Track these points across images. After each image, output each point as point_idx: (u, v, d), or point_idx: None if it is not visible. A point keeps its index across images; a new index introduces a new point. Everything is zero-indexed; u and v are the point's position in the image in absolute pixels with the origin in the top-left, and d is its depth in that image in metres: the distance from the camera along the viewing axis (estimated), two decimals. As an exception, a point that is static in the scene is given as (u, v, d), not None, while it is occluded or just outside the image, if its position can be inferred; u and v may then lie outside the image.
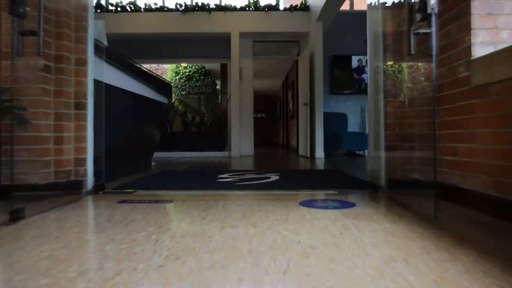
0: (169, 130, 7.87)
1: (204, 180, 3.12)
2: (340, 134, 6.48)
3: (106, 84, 2.69)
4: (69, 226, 1.56)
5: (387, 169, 2.45)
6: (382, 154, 2.49)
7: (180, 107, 11.07)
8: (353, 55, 7.39)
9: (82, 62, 2.41)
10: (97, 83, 2.53)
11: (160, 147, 7.29)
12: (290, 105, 10.56)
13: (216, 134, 7.50)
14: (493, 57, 1.65)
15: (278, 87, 15.43)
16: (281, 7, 7.32)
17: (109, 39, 7.10)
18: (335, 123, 7.03)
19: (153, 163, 4.89)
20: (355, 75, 7.38)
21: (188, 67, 11.03)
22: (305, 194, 2.39)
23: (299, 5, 7.19)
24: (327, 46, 6.83)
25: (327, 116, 6.71)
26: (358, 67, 7.38)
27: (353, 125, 7.47)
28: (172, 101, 11.61)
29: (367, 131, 7.35)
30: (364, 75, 7.38)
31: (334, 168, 4.33)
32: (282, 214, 1.74)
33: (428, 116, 2.11)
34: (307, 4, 7.16)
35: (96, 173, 2.53)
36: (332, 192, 2.45)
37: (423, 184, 2.14)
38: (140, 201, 2.12)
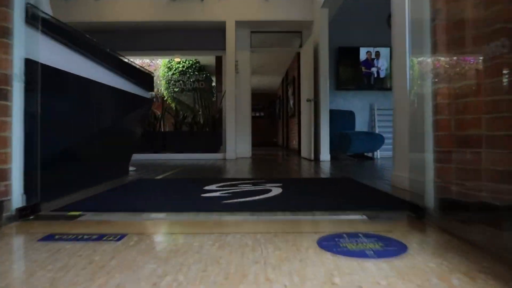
0: (159, 129, 7.13)
1: (184, 194, 2.40)
2: (349, 134, 5.77)
3: (47, 66, 1.97)
4: None
5: (437, 185, 1.74)
6: (429, 163, 1.77)
7: (173, 104, 10.36)
8: (361, 46, 6.67)
9: (3, 33, 1.69)
10: (30, 64, 1.81)
11: (149, 149, 6.57)
12: (291, 102, 9.86)
13: (210, 134, 6.78)
14: None
15: (277, 84, 14.73)
16: (282, -7, 6.60)
17: (89, 29, 6.37)
18: (341, 121, 6.32)
19: (132, 168, 4.17)
20: (363, 69, 6.67)
21: (181, 62, 10.31)
22: (322, 221, 1.68)
23: (301, -9, 6.48)
24: (332, 37, 6.11)
25: (333, 114, 6.00)
26: (366, 60, 6.67)
27: (361, 124, 6.76)
28: (165, 98, 10.94)
29: (376, 130, 6.65)
30: (373, 69, 6.67)
31: (346, 176, 3.62)
32: (292, 271, 1.03)
33: (509, 108, 1.40)
34: (311, -11, 6.44)
35: (29, 190, 1.81)
36: (359, 217, 1.73)
37: (499, 210, 1.43)
38: (75, 237, 1.40)
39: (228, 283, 0.96)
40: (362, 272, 1.03)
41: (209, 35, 6.88)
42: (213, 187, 2.70)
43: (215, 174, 3.98)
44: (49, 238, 1.40)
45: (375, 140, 6.02)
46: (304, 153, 6.52)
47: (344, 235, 1.41)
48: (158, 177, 3.57)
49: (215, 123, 6.86)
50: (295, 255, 1.17)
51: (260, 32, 7.02)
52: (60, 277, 1.00)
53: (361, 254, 1.18)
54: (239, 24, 6.57)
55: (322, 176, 3.72)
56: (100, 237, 1.40)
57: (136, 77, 3.40)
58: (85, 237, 1.41)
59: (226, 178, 3.49)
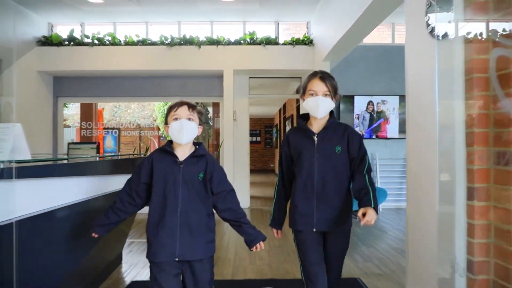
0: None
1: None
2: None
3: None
4: None
5: None
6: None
7: (169, 138, 10.11)
8: (363, 95, 6.49)
9: None
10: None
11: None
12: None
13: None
14: None
15: (274, 111, 14.56)
16: (281, 40, 6.44)
17: (85, 76, 6.15)
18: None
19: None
20: (364, 117, 6.48)
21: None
22: None
23: (301, 38, 6.33)
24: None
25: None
26: (367, 108, 6.49)
27: (362, 175, 6.57)
28: (161, 131, 10.70)
29: (378, 182, 6.45)
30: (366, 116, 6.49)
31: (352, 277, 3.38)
32: None
33: None
34: (311, 38, 6.29)
35: None
36: None
37: None
38: None
39: None
40: None
41: (206, 82, 6.69)
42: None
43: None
44: None
45: (378, 196, 5.82)
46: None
47: None
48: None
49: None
50: None
51: (258, 77, 6.85)
52: None
53: None
54: (237, 71, 6.39)
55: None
56: None
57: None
58: None
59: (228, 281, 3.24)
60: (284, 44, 6.32)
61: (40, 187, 1.81)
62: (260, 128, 16.68)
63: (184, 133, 1.67)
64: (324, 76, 1.78)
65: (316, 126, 1.82)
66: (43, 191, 1.83)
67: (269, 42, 6.26)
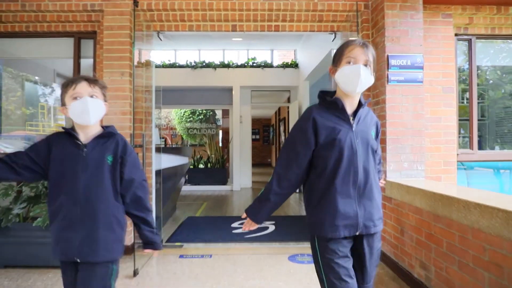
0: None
1: (225, 230, 4.45)
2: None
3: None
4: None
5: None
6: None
7: (184, 136, 12.32)
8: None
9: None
10: (156, 173, 3.85)
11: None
12: (282, 137, 11.99)
13: (220, 170, 8.87)
14: (392, 184, 3.04)
15: (271, 113, 16.86)
16: (275, 63, 8.74)
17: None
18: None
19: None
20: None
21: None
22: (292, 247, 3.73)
23: (290, 62, 8.62)
24: (312, 96, 8.19)
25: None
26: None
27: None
28: (177, 131, 12.85)
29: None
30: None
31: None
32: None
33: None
34: (297, 62, 8.58)
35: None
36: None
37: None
38: (191, 256, 3.45)
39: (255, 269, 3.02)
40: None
41: (219, 94, 8.99)
42: (236, 224, 4.76)
43: (230, 209, 6.01)
44: (181, 257, 3.45)
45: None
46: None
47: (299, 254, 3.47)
48: (199, 214, 5.60)
49: (223, 161, 8.96)
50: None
51: (259, 90, 9.14)
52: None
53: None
54: (242, 87, 8.66)
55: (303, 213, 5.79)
56: (201, 256, 3.45)
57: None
58: (194, 256, 3.46)
59: (239, 215, 5.52)
60: (277, 67, 8.60)
61: (165, 157, 4.14)
62: (259, 128, 18.97)
63: (91, 113, 1.47)
64: (366, 44, 1.48)
65: (348, 105, 1.51)
66: (166, 159, 4.16)
67: (266, 65, 8.55)
